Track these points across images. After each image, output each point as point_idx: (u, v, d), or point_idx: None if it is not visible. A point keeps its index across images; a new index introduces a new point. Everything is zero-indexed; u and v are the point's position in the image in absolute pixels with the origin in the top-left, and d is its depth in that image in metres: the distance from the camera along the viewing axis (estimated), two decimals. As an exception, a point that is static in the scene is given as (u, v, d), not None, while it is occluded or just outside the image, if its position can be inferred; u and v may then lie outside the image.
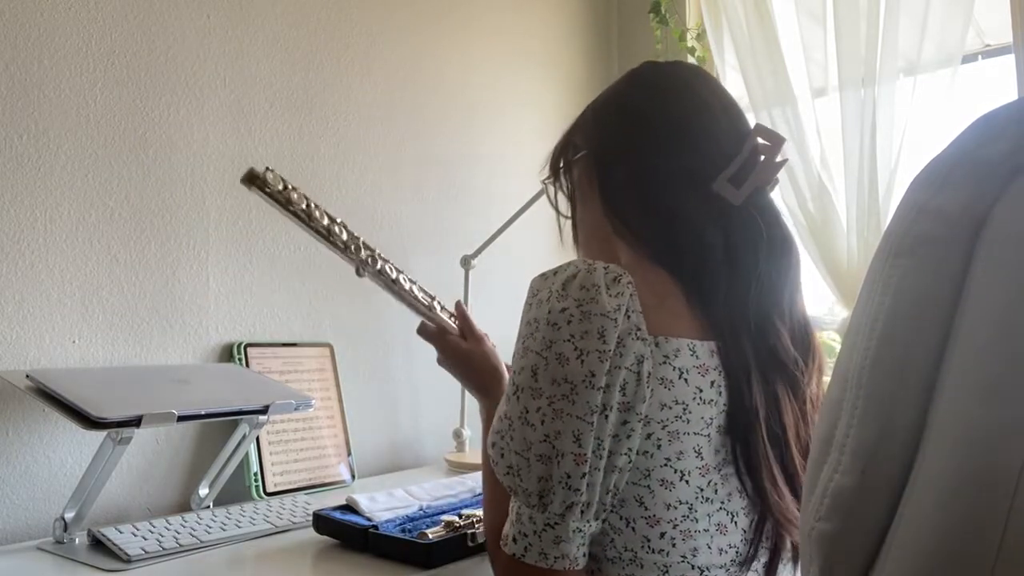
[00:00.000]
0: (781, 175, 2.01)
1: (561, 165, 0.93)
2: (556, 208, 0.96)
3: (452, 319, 1.12)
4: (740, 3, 1.97)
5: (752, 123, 0.87)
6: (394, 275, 1.06)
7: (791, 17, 1.90)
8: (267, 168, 0.94)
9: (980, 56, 1.82)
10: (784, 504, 0.76)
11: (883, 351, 0.45)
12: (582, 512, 0.71)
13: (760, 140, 0.83)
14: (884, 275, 0.46)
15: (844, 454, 0.46)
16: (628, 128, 0.86)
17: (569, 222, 0.96)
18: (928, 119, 1.71)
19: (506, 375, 1.05)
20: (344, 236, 1.00)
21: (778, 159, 0.83)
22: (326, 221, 0.98)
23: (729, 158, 0.81)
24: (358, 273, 1.02)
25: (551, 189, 0.95)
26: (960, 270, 0.44)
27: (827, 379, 0.61)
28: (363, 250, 1.02)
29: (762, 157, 0.83)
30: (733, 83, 2.07)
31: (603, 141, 0.88)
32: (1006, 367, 0.40)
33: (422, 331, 1.11)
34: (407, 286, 1.07)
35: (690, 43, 2.15)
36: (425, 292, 1.10)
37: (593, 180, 0.88)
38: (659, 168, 0.83)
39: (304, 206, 0.97)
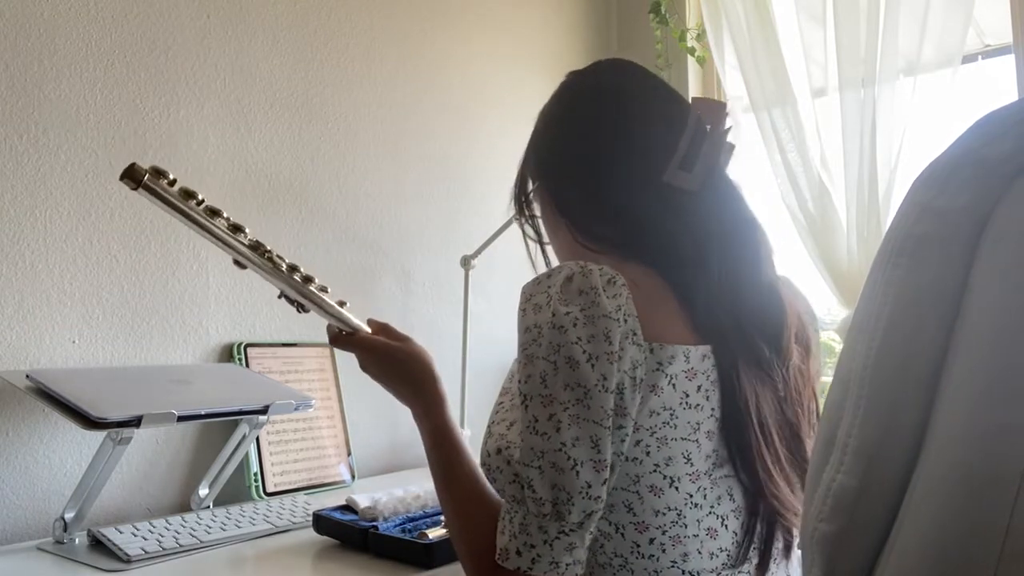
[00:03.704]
0: (780, 175, 1.99)
1: (523, 200, 0.93)
2: (536, 241, 0.95)
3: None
4: (740, 3, 1.97)
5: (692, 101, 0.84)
6: (315, 281, 0.94)
7: (791, 17, 1.90)
8: (153, 166, 0.76)
9: (980, 56, 1.82)
10: (781, 494, 0.75)
11: (885, 351, 0.45)
12: (599, 518, 0.70)
13: (701, 113, 0.81)
14: (886, 275, 0.46)
15: (846, 455, 0.46)
16: (563, 142, 0.86)
17: (546, 252, 0.95)
18: (928, 119, 1.71)
19: (439, 377, 0.95)
20: (251, 241, 0.85)
21: (724, 127, 0.80)
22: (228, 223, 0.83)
23: (674, 142, 0.79)
24: (282, 296, 0.91)
25: (526, 227, 0.94)
26: (962, 270, 0.44)
27: (827, 380, 0.61)
28: (278, 259, 0.89)
29: (708, 127, 0.80)
30: (733, 83, 2.07)
31: (546, 164, 0.88)
32: (1008, 368, 0.40)
33: (337, 337, 0.97)
34: (329, 299, 0.95)
35: (690, 43, 2.15)
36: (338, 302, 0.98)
37: (552, 204, 0.88)
38: (604, 170, 0.82)
39: (205, 207, 0.80)
